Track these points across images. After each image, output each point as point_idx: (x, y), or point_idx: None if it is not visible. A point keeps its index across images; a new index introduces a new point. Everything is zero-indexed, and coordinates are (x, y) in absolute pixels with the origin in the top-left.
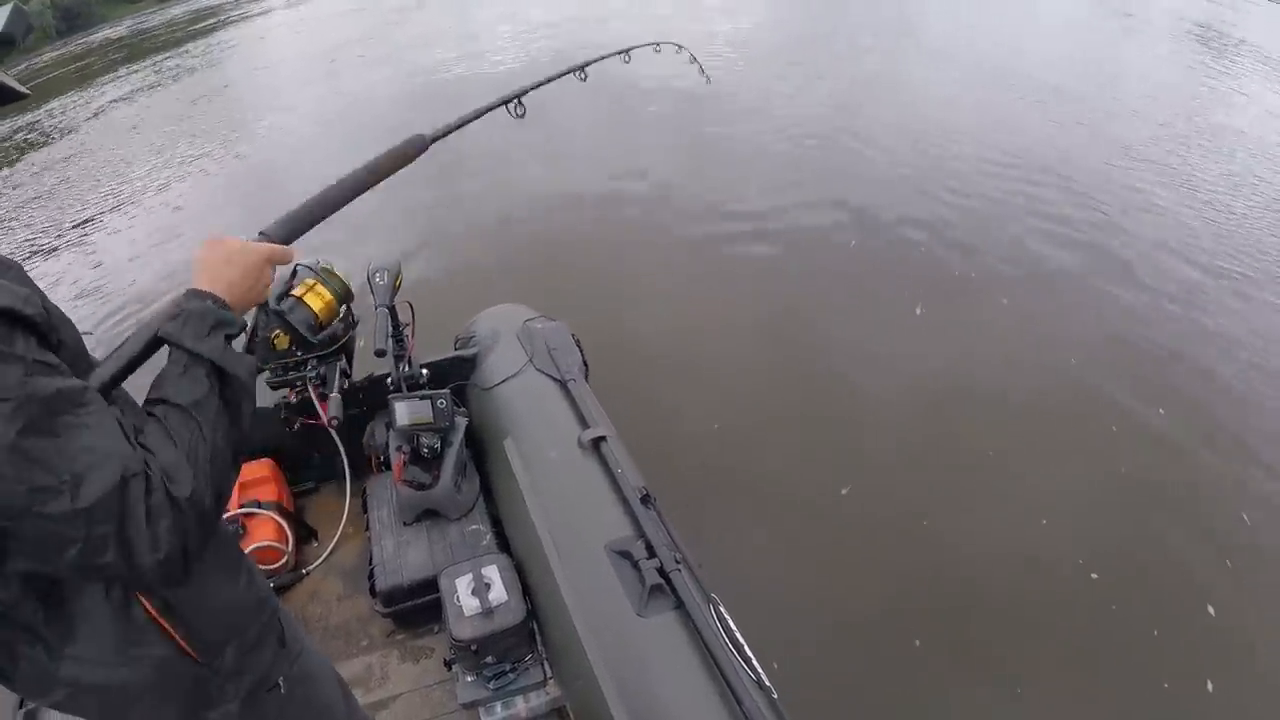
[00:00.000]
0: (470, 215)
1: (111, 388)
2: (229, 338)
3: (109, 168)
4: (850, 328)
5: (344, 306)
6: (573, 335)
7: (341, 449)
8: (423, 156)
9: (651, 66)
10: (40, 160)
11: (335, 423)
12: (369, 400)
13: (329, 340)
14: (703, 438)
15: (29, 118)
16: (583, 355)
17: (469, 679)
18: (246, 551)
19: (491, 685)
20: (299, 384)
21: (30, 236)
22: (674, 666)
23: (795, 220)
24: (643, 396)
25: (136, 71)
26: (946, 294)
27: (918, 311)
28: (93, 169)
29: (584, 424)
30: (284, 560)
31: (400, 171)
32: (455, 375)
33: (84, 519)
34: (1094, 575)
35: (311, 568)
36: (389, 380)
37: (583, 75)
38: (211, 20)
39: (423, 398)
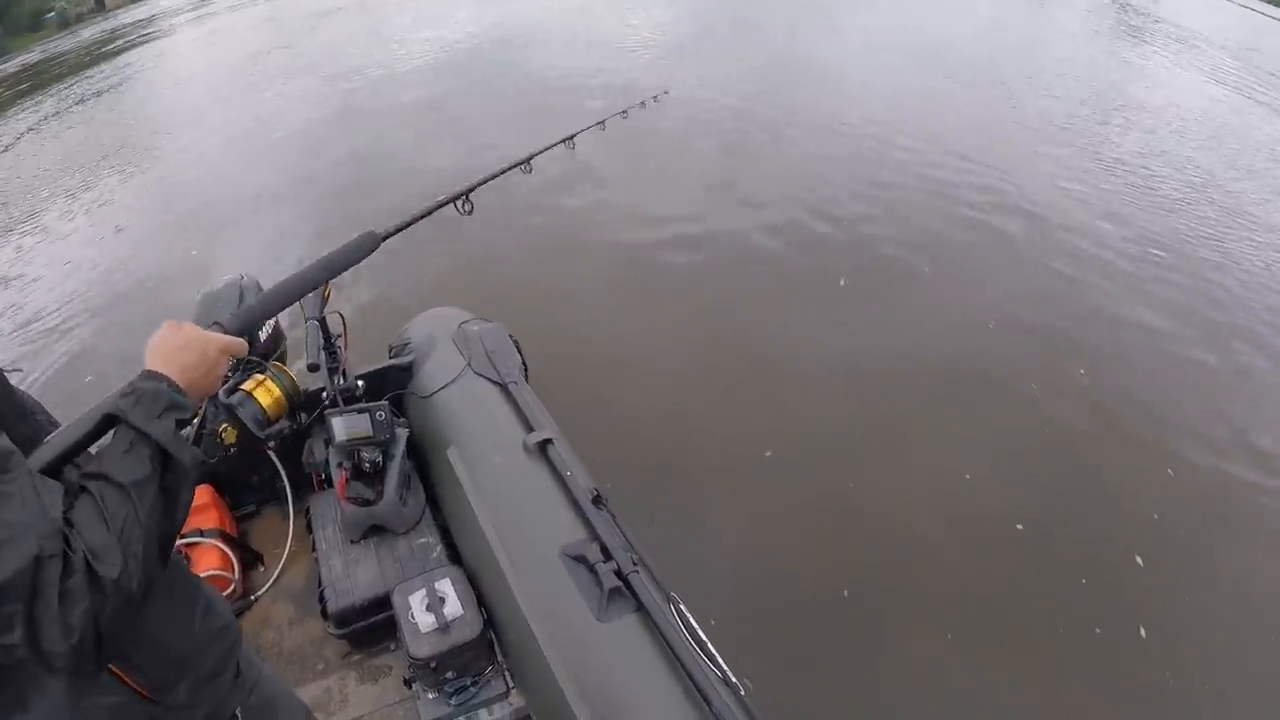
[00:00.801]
0: (391, 220)
1: (60, 464)
2: (180, 423)
3: (21, 198)
4: (778, 314)
5: (292, 404)
6: (510, 336)
7: (281, 469)
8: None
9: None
10: None
11: (272, 443)
12: (304, 416)
13: (277, 434)
14: (648, 433)
15: None
16: (522, 357)
17: (430, 696)
18: None
19: (454, 700)
20: None
21: None
22: (639, 670)
23: (721, 217)
24: (585, 395)
25: (44, 101)
26: (869, 276)
27: (841, 283)
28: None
29: (528, 427)
30: (231, 588)
31: (316, 166)
32: (392, 384)
33: None
34: (1019, 527)
35: (260, 593)
36: (324, 395)
37: (528, 168)
38: (119, 43)
39: (360, 411)
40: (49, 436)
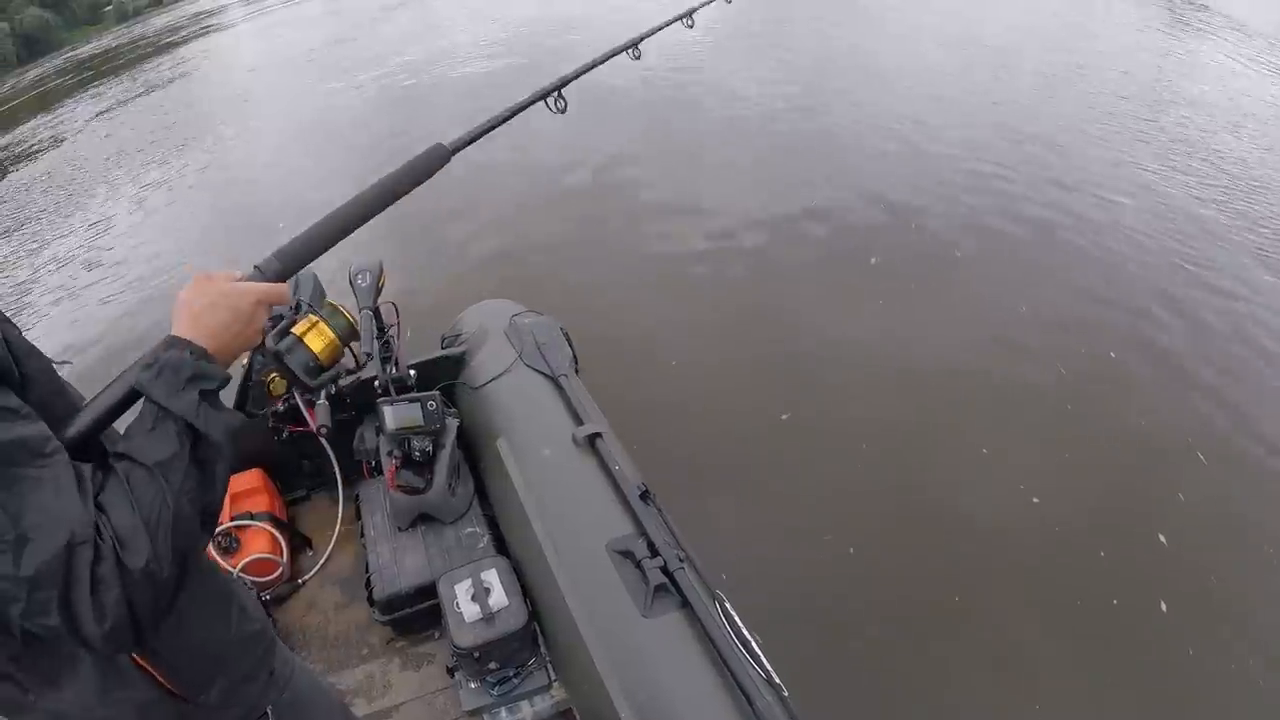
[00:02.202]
0: (450, 211)
1: (85, 441)
2: (208, 392)
3: (82, 189)
4: (836, 311)
5: (349, 346)
6: (561, 329)
7: (332, 456)
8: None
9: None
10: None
11: (324, 430)
12: (358, 405)
13: (330, 380)
14: (698, 430)
15: None
16: (573, 350)
17: (472, 685)
18: (240, 566)
19: (495, 691)
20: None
21: None
22: (682, 667)
23: (774, 211)
24: (635, 390)
25: (103, 92)
26: (926, 272)
27: (872, 261)
28: (65, 192)
29: (578, 420)
30: (279, 571)
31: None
32: (444, 375)
33: (26, 583)
34: (1083, 533)
35: (307, 577)
36: (377, 384)
37: (636, 53)
38: (178, 35)
39: (412, 400)
40: (74, 419)
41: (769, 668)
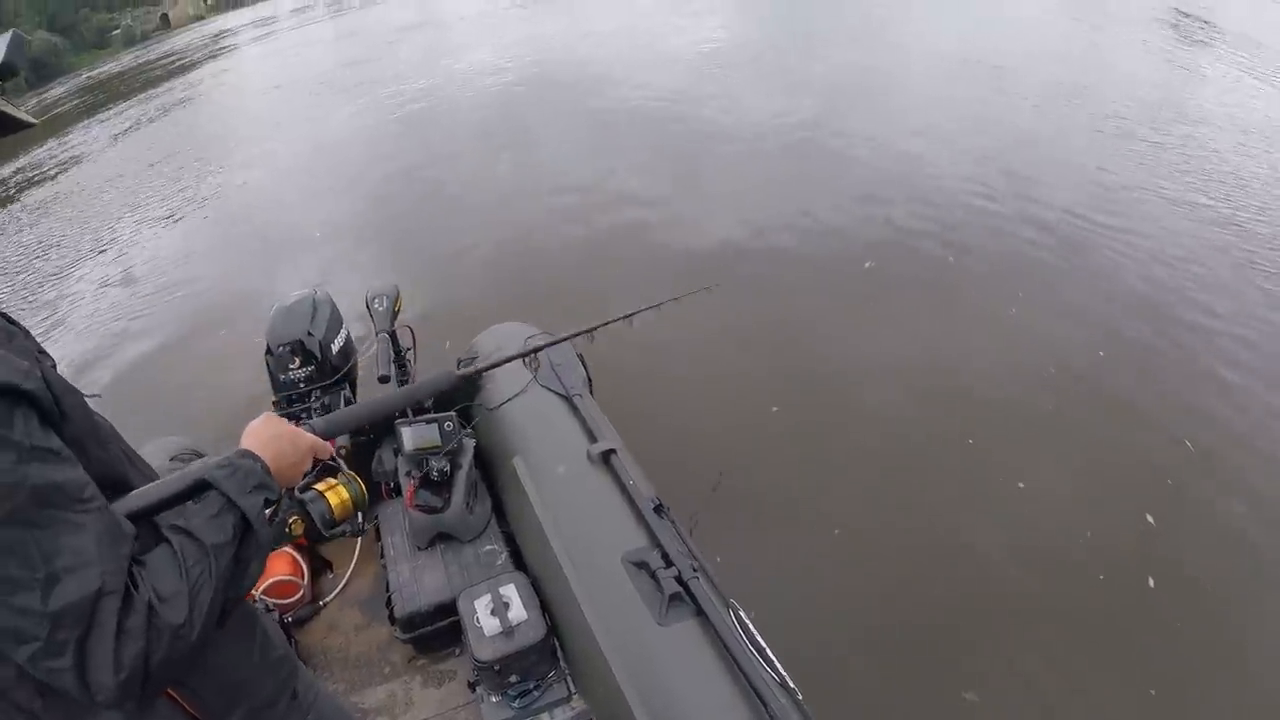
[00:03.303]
0: (462, 236)
1: (144, 516)
2: (267, 502)
3: (93, 215)
4: (847, 327)
5: (359, 511)
6: (575, 351)
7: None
8: (415, 170)
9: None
10: (13, 215)
11: (343, 452)
12: (375, 427)
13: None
14: (711, 446)
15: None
16: (586, 370)
17: (494, 699)
18: (261, 589)
19: (516, 704)
20: (305, 415)
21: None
22: (697, 674)
23: (785, 226)
24: (648, 408)
25: (109, 117)
26: (940, 287)
27: (866, 265)
28: (85, 214)
29: (592, 438)
30: (300, 594)
31: (383, 192)
32: (460, 397)
33: (49, 620)
34: (1096, 555)
35: (328, 599)
36: None
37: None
38: (183, 60)
39: (429, 421)
40: (139, 489)
41: (783, 672)
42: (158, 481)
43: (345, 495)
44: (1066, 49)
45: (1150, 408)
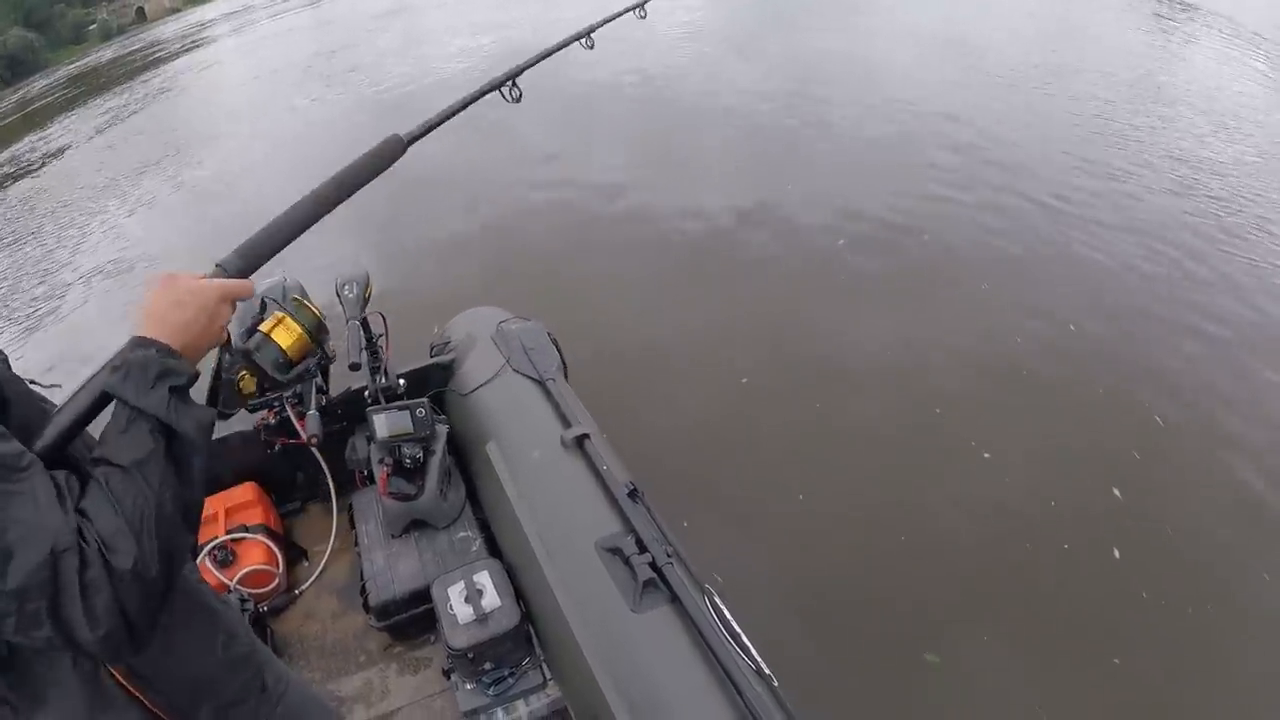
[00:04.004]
0: (433, 218)
1: (59, 449)
2: (177, 389)
3: (72, 206)
4: (824, 309)
5: (318, 343)
6: (549, 334)
7: (324, 466)
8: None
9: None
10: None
11: (315, 440)
12: (348, 415)
13: (300, 377)
14: (686, 429)
15: None
16: (560, 354)
17: (468, 686)
18: (236, 578)
19: (491, 691)
20: (276, 404)
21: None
22: (672, 660)
23: (764, 212)
24: (624, 392)
25: (88, 111)
26: (915, 271)
27: (840, 243)
28: (64, 205)
29: (566, 423)
30: (276, 583)
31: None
32: (433, 382)
33: (14, 596)
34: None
35: (304, 588)
36: (366, 393)
37: (589, 43)
38: (160, 53)
39: (401, 408)
40: (50, 424)
41: (759, 659)
42: (61, 406)
43: (296, 328)
44: (1045, 28)
45: (1119, 384)
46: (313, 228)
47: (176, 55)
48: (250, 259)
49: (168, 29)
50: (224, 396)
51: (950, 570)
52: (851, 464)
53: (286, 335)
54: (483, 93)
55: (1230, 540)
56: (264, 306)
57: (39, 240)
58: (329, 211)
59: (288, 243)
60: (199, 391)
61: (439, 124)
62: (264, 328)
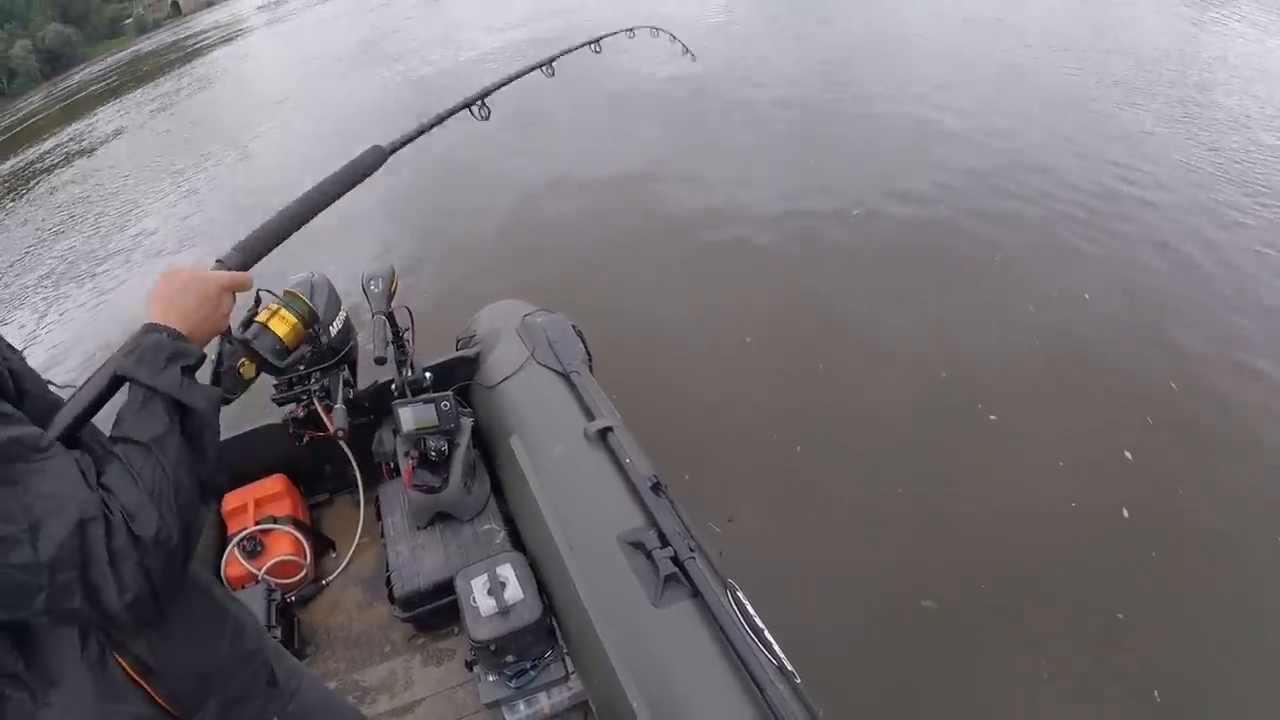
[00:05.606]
0: (459, 213)
1: (75, 430)
2: (187, 369)
3: (113, 197)
4: (854, 300)
5: (311, 329)
6: (574, 326)
7: (352, 458)
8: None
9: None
10: (36, 197)
11: (342, 434)
12: (375, 408)
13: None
14: (713, 423)
15: (15, 161)
16: (585, 347)
17: (490, 679)
18: (264, 568)
19: (513, 684)
20: (304, 398)
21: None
22: (692, 656)
23: (788, 204)
24: (649, 385)
25: (126, 103)
26: (949, 263)
27: (855, 212)
28: (98, 199)
29: (589, 416)
30: (303, 573)
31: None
32: (459, 376)
33: (46, 568)
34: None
35: (331, 578)
36: (393, 386)
37: (550, 71)
38: (196, 45)
39: (427, 401)
40: (64, 409)
41: (781, 655)
42: (75, 391)
43: (291, 318)
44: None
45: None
46: (339, 226)
47: (213, 47)
48: (249, 255)
49: (203, 21)
50: (227, 383)
51: (985, 568)
52: (883, 457)
53: (282, 324)
54: (454, 111)
55: (1243, 502)
56: (259, 300)
57: (104, 219)
58: (317, 213)
59: (282, 240)
60: (202, 378)
61: (416, 136)
62: (260, 318)
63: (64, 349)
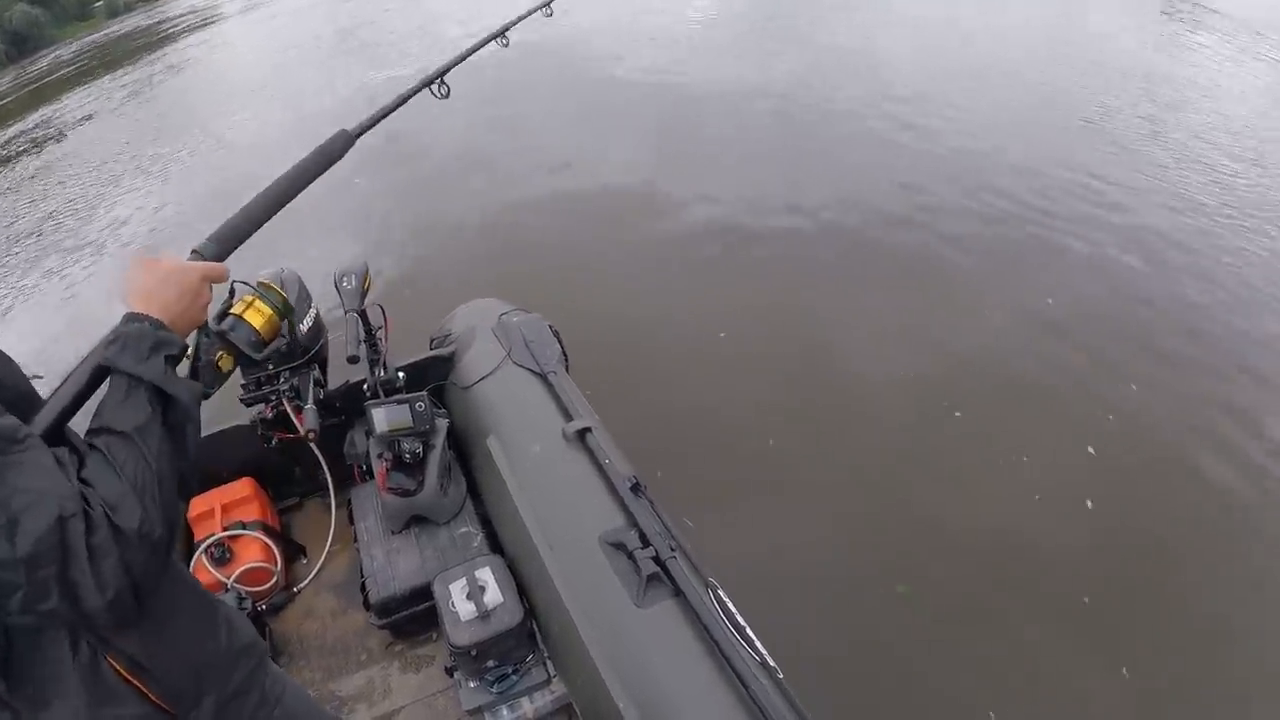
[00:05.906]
0: (432, 210)
1: (59, 425)
2: (170, 359)
3: (82, 183)
4: (833, 302)
5: (286, 321)
6: (550, 326)
7: (322, 461)
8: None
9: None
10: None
11: (313, 435)
12: (347, 409)
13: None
14: (691, 422)
15: None
16: (562, 347)
17: (472, 685)
18: (234, 576)
19: (495, 689)
20: (273, 398)
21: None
22: (676, 655)
23: (765, 204)
24: (626, 384)
25: (94, 88)
26: (927, 270)
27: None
28: (64, 185)
29: (567, 416)
30: (274, 580)
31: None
32: (433, 376)
33: (24, 564)
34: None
35: (302, 585)
36: (365, 386)
37: (504, 41)
38: (168, 30)
39: (400, 402)
40: (47, 404)
41: (763, 651)
42: (58, 386)
43: (266, 310)
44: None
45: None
46: (313, 220)
47: (186, 31)
48: (224, 245)
49: (175, 6)
50: (204, 377)
51: (965, 564)
52: (862, 454)
53: (258, 316)
54: (415, 91)
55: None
56: (233, 292)
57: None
58: (289, 201)
59: (255, 229)
60: (179, 374)
61: (381, 118)
62: (236, 310)
63: (33, 340)
